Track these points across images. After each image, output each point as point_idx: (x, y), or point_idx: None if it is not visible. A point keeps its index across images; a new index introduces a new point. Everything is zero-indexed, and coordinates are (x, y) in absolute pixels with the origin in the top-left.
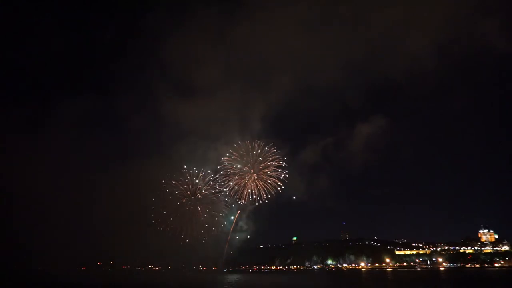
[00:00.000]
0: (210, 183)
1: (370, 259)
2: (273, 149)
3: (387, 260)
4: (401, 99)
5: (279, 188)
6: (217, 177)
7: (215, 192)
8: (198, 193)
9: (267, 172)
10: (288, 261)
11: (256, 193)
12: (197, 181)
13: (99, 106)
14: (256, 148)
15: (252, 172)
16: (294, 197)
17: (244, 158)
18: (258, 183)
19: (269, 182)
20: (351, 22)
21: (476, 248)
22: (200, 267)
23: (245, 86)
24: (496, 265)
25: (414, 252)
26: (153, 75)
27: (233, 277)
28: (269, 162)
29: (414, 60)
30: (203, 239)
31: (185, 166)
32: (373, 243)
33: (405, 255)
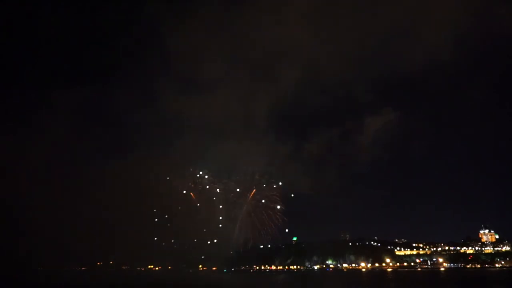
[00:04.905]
0: (211, 181)
1: (370, 259)
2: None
3: (388, 260)
4: (413, 92)
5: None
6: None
7: (216, 190)
8: (199, 192)
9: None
10: (288, 261)
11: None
12: (199, 178)
13: (98, 99)
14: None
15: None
16: (292, 195)
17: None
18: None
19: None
20: (361, 12)
21: (476, 248)
22: (200, 267)
23: (250, 79)
24: (497, 265)
25: (415, 252)
26: (154, 67)
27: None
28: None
29: (428, 50)
30: (203, 239)
31: (187, 163)
32: (373, 243)
33: (405, 255)
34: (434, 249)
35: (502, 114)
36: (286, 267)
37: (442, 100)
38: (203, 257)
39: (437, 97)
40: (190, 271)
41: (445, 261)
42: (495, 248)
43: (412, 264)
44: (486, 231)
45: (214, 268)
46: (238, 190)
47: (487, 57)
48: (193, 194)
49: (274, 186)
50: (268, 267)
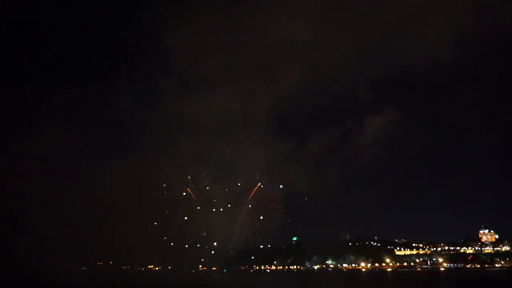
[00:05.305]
0: (211, 181)
1: (370, 259)
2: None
3: (387, 260)
4: (413, 92)
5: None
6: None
7: (216, 190)
8: (200, 192)
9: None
10: (288, 261)
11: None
12: (199, 178)
13: (98, 99)
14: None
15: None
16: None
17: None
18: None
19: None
20: (361, 12)
21: (476, 248)
22: (200, 267)
23: (251, 79)
24: (496, 265)
25: (414, 252)
26: (154, 67)
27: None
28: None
29: (428, 50)
30: (203, 239)
31: (187, 163)
32: (373, 243)
33: (405, 255)
34: (434, 249)
35: (502, 114)
36: (286, 267)
37: (442, 100)
38: (203, 257)
39: (437, 97)
40: (193, 271)
41: (445, 261)
42: (495, 248)
43: (412, 264)
44: (486, 231)
45: (214, 268)
46: (238, 190)
47: (487, 57)
48: (193, 194)
49: (274, 186)
50: (268, 267)
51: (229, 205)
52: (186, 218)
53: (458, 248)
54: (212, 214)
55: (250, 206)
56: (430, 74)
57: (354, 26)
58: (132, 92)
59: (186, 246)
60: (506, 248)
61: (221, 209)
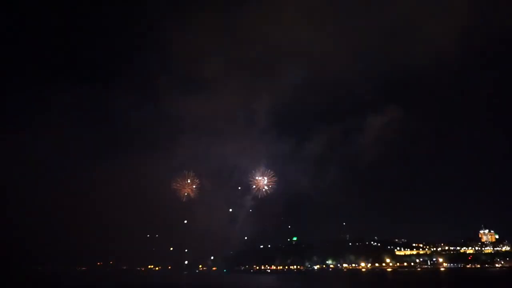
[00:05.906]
0: (211, 181)
1: (370, 259)
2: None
3: (387, 260)
4: (416, 90)
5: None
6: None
7: (216, 190)
8: (199, 191)
9: None
10: (288, 261)
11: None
12: (199, 178)
13: (97, 99)
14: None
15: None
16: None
17: None
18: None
19: None
20: (364, 9)
21: (476, 248)
22: (200, 267)
23: (251, 78)
24: (496, 265)
25: (414, 252)
26: (154, 67)
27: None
28: None
29: (432, 49)
30: (203, 239)
31: (187, 163)
32: (373, 243)
33: (405, 255)
34: (434, 249)
35: (504, 114)
36: (286, 267)
37: (444, 99)
38: (203, 257)
39: (440, 96)
40: (197, 271)
41: (445, 261)
42: (495, 248)
43: (412, 264)
44: (486, 231)
45: (214, 268)
46: (238, 190)
47: (492, 55)
48: (193, 194)
49: (275, 185)
50: (268, 267)
51: (229, 205)
52: (185, 218)
53: (458, 248)
54: (212, 214)
55: (250, 206)
56: (434, 73)
57: (356, 24)
58: (132, 92)
59: (186, 246)
60: (506, 248)
61: (221, 209)
